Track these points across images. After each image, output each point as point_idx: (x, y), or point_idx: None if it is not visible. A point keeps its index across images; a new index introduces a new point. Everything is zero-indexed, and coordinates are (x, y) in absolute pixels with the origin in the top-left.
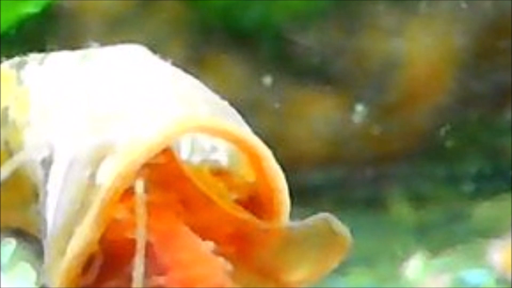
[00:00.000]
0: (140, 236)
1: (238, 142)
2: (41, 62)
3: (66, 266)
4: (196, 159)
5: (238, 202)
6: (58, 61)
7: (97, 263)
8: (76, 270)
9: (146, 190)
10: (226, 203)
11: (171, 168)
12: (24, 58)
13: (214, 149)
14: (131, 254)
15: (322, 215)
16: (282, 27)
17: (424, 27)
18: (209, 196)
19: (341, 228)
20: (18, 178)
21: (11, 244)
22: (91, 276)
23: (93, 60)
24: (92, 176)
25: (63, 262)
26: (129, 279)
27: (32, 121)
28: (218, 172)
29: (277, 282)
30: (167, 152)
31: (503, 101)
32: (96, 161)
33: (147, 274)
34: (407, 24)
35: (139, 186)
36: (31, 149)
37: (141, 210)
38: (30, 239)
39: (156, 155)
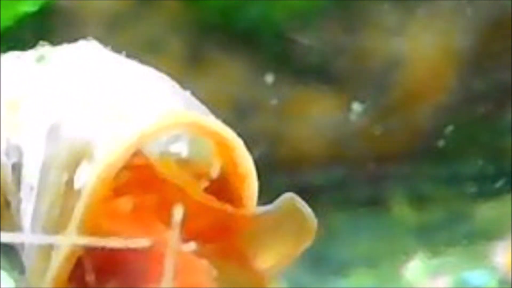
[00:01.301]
0: (170, 262)
1: (208, 133)
2: None
3: (54, 273)
4: (154, 150)
5: (206, 191)
6: (13, 62)
7: (88, 266)
8: (64, 276)
9: (124, 193)
10: (198, 194)
11: (144, 169)
12: None
13: (172, 140)
14: (117, 263)
15: (288, 195)
16: (282, 25)
17: (425, 26)
18: (183, 189)
19: (305, 206)
20: None
21: None
22: (90, 278)
23: (52, 60)
24: (70, 181)
25: (50, 270)
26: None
27: None
28: (181, 163)
29: (253, 271)
30: (138, 153)
31: (505, 100)
32: (73, 166)
33: (136, 283)
34: (408, 23)
35: (178, 212)
36: (2, 154)
37: (175, 237)
38: (4, 248)
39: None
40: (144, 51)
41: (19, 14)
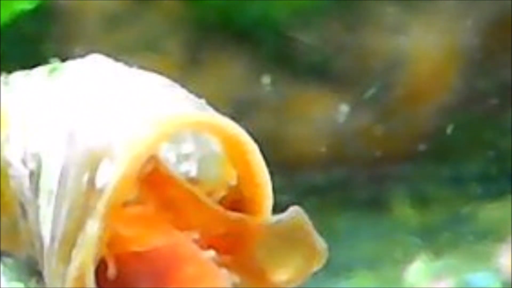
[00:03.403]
0: None
1: (225, 135)
2: (5, 83)
3: (76, 273)
4: None
5: (222, 201)
6: (23, 78)
7: (111, 264)
8: (86, 276)
9: (141, 202)
10: (212, 205)
11: (157, 175)
12: None
13: (180, 160)
14: (135, 267)
15: (295, 208)
16: (283, 24)
17: (428, 25)
18: (198, 196)
19: (310, 226)
20: (4, 201)
21: None
22: (112, 271)
23: (63, 73)
24: (91, 180)
25: (72, 269)
26: None
27: (12, 136)
28: (190, 182)
29: (267, 283)
30: (151, 158)
31: (508, 100)
32: (93, 165)
33: (157, 285)
34: (410, 21)
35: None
36: (18, 163)
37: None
38: (19, 259)
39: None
40: (143, 50)
41: (17, 13)
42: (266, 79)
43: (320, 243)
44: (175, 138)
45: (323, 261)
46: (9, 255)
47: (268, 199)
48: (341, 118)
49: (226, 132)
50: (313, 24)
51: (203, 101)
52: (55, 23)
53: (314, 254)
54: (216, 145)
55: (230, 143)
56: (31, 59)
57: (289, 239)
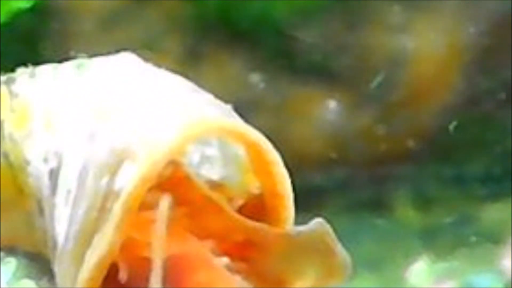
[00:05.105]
0: (157, 255)
1: (248, 144)
2: (31, 75)
3: (88, 275)
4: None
5: (239, 211)
6: (50, 72)
7: (123, 269)
8: (98, 279)
9: (155, 206)
10: (232, 212)
11: (177, 178)
12: (11, 75)
13: (204, 161)
14: (147, 273)
15: (319, 220)
16: (283, 22)
17: (430, 23)
18: (217, 202)
19: (334, 238)
20: (23, 197)
21: (10, 263)
22: (123, 276)
23: (90, 69)
24: (111, 182)
25: (83, 271)
26: None
27: (34, 133)
28: (212, 186)
29: None
30: (173, 162)
31: (511, 99)
32: (114, 167)
33: None
34: (413, 20)
35: (164, 203)
36: (38, 160)
37: (161, 227)
38: (32, 256)
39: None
40: (141, 49)
41: (14, 11)
42: (266, 78)
43: (344, 255)
44: (200, 140)
45: (347, 273)
46: (22, 252)
47: (289, 210)
48: (342, 118)
49: (250, 141)
50: (314, 22)
51: (229, 107)
52: (53, 22)
53: (335, 266)
54: (240, 151)
55: (253, 152)
56: (29, 57)
57: (309, 250)
